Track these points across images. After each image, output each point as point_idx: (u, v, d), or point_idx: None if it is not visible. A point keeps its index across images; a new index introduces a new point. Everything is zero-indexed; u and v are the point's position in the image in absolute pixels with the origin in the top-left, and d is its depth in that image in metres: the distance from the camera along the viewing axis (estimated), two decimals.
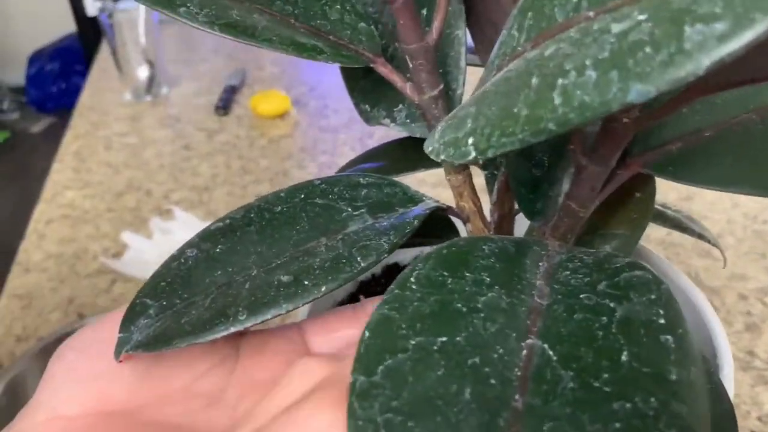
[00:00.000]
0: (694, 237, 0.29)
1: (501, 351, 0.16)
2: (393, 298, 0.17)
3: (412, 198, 0.26)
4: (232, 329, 0.21)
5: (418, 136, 0.28)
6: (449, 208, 0.26)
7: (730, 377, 0.29)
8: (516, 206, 0.31)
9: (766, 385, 0.47)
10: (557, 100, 0.15)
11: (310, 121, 0.91)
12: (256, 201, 0.26)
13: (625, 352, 0.15)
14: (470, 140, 0.17)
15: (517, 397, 0.15)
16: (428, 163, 0.31)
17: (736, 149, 0.22)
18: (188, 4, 0.23)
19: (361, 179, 0.26)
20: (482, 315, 0.17)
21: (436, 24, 0.23)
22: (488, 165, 0.28)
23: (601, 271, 0.19)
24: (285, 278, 0.23)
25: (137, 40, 0.97)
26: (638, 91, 0.13)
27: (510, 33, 0.20)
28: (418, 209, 0.25)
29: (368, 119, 0.30)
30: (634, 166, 0.22)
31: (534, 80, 0.16)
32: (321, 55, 0.24)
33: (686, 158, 0.23)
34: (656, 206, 0.29)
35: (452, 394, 0.15)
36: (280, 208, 0.26)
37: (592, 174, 0.22)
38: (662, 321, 0.16)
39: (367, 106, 0.30)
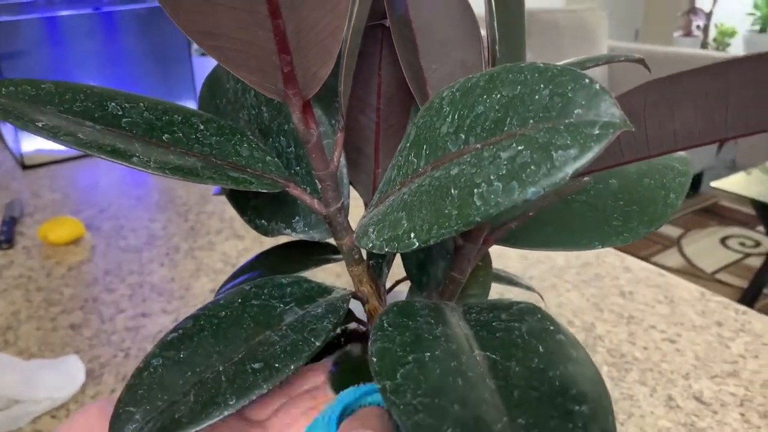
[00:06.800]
0: (524, 288, 0.40)
1: (464, 359, 0.24)
2: (380, 336, 0.24)
3: (326, 289, 0.33)
4: (226, 413, 0.26)
5: (317, 240, 0.35)
6: (353, 292, 0.33)
7: None
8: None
9: None
10: (478, 203, 0.23)
11: (108, 243, 0.91)
12: (199, 311, 0.31)
13: (540, 347, 0.24)
14: (412, 235, 0.25)
15: (488, 380, 0.22)
16: (313, 265, 0.38)
17: (550, 222, 0.33)
18: (138, 155, 0.28)
19: (283, 280, 0.32)
20: (443, 340, 0.24)
21: (336, 154, 0.31)
22: (373, 256, 0.36)
23: (498, 309, 0.27)
24: (256, 365, 0.28)
25: None
26: (533, 192, 0.22)
27: (408, 159, 0.28)
28: (335, 295, 0.32)
29: (266, 232, 0.36)
30: (490, 241, 0.32)
31: (453, 191, 0.24)
32: (251, 185, 0.30)
33: (521, 232, 0.33)
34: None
35: (450, 383, 0.22)
36: (224, 313, 0.31)
37: (468, 250, 0.30)
38: (552, 328, 0.25)
39: (263, 221, 0.36)
